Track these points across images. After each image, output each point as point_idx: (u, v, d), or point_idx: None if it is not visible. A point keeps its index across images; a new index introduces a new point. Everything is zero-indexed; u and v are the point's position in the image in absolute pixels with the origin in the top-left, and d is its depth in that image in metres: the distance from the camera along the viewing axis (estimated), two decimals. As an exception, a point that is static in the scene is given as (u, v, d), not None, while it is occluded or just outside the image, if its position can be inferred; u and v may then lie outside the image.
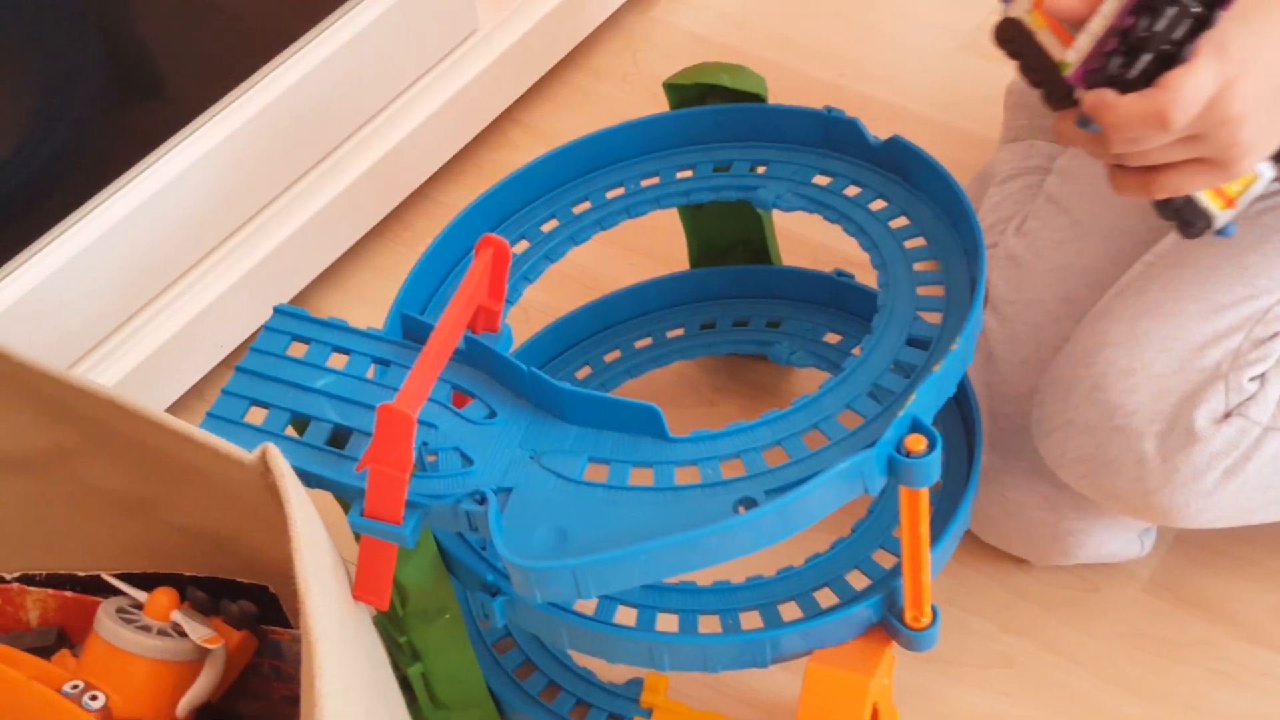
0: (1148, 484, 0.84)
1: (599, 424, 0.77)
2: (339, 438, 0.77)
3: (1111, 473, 0.85)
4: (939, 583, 0.96)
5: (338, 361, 0.81)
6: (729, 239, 1.05)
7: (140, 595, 0.81)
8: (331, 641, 0.65)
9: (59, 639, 0.86)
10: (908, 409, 0.72)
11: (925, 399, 0.73)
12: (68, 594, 0.85)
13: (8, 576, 0.85)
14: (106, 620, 0.78)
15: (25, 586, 0.85)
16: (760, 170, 0.93)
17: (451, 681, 0.87)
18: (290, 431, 0.78)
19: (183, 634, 0.79)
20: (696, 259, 1.07)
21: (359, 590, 0.74)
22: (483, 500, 0.72)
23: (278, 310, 0.83)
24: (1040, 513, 0.92)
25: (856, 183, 0.90)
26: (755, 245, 1.04)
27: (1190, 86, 0.67)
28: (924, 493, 0.73)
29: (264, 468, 0.70)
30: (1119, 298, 0.89)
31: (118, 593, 0.83)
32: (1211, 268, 0.86)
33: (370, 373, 0.81)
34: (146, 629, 0.79)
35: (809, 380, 1.09)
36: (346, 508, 0.76)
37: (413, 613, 0.80)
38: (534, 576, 0.70)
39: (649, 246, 1.19)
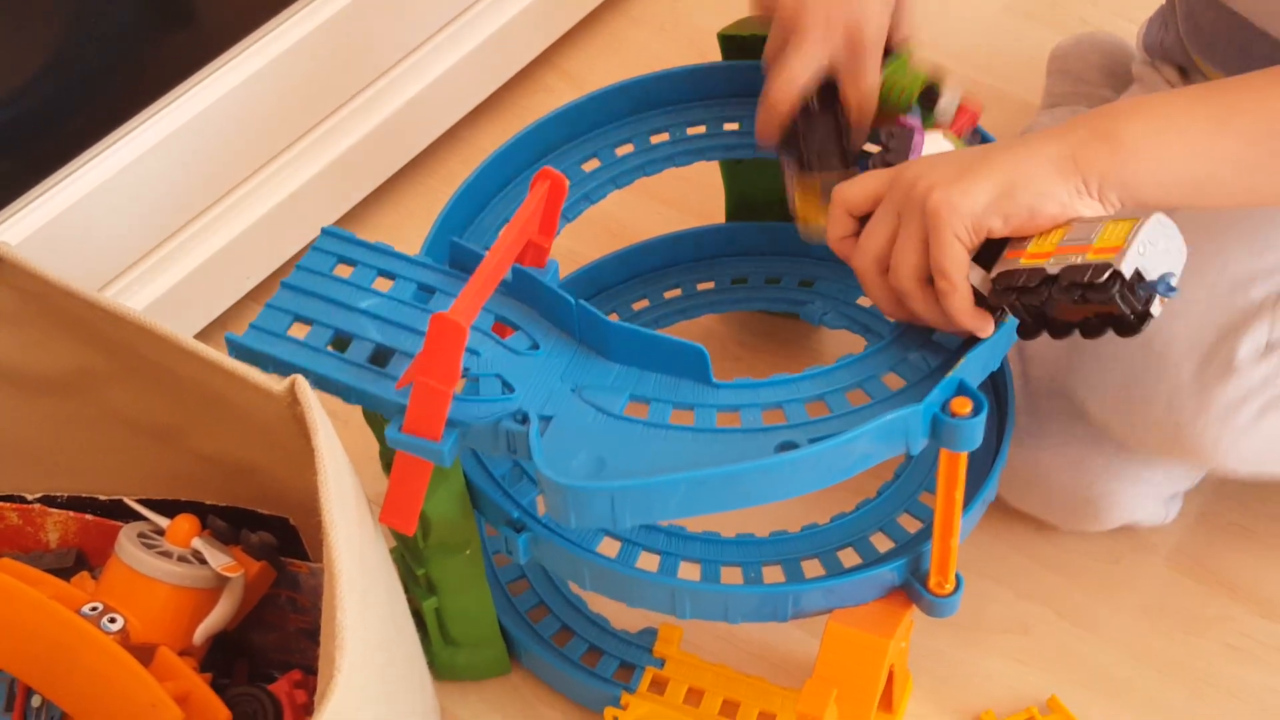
0: (1180, 415, 0.83)
1: (643, 363, 0.77)
2: (379, 358, 0.77)
3: (1144, 403, 0.84)
4: (959, 548, 0.97)
5: (382, 285, 0.80)
6: (767, 195, 1.03)
7: (162, 521, 0.81)
8: (353, 575, 0.65)
9: (78, 561, 0.86)
10: (955, 371, 0.72)
11: (973, 364, 0.73)
12: (88, 517, 0.85)
13: (29, 497, 0.86)
14: (127, 544, 0.79)
15: (46, 508, 0.86)
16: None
17: (465, 618, 0.87)
18: (330, 350, 0.78)
19: (203, 561, 0.79)
20: (732, 213, 1.06)
21: (386, 513, 0.74)
22: (524, 420, 0.72)
23: (325, 231, 0.83)
24: (1069, 476, 0.91)
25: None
26: (792, 205, 1.04)
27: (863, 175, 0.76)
28: (963, 457, 0.73)
29: (292, 399, 0.69)
30: None
31: (139, 517, 0.83)
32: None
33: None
34: (167, 555, 0.79)
35: (836, 343, 1.09)
36: (379, 426, 0.75)
37: (435, 545, 0.80)
38: (572, 497, 0.69)
39: (679, 198, 1.18)
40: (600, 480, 0.70)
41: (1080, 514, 0.93)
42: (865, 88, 0.83)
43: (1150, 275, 0.67)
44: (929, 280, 0.73)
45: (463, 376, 0.75)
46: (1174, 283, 0.68)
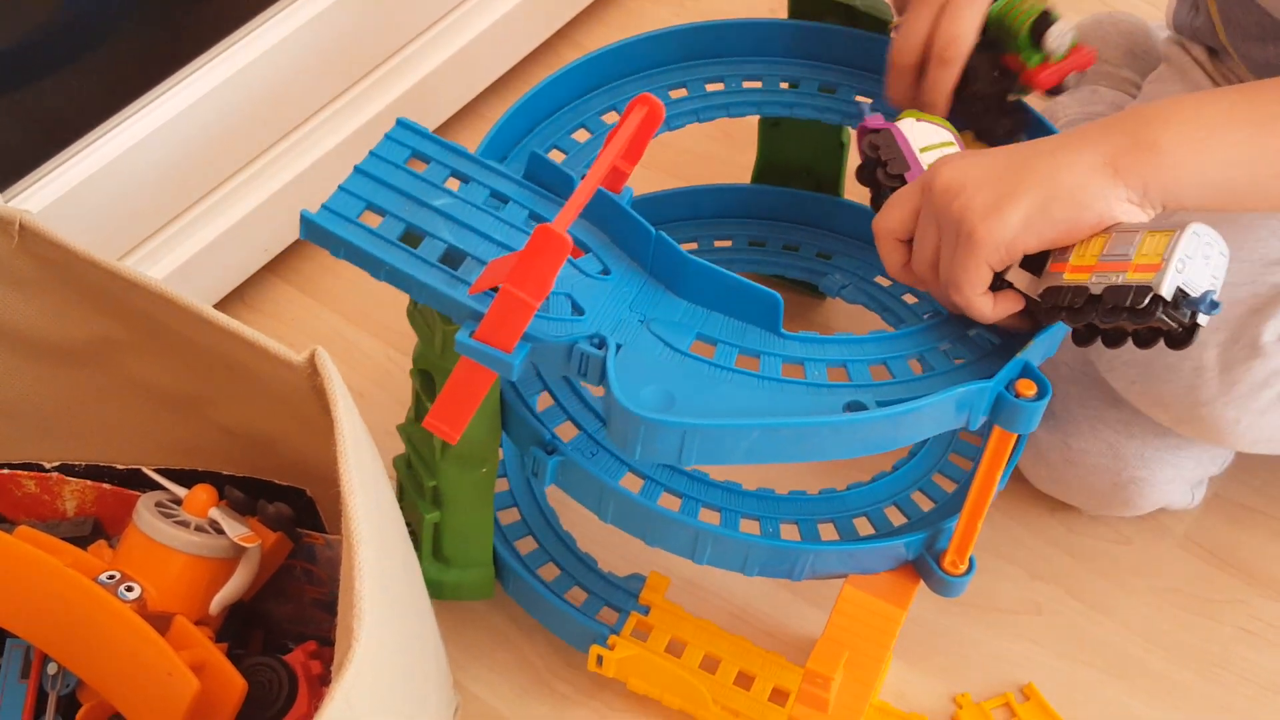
0: (1202, 394, 0.83)
1: (711, 303, 0.76)
2: (449, 259, 0.75)
3: (1166, 380, 0.84)
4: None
5: (453, 186, 0.79)
6: (798, 162, 1.03)
7: (180, 491, 0.81)
8: (372, 545, 0.65)
9: (95, 530, 0.86)
10: (1023, 353, 0.72)
11: (1038, 348, 0.74)
12: (106, 486, 0.86)
13: (47, 465, 0.86)
14: (145, 513, 0.79)
15: (64, 476, 0.86)
16: (864, 100, 0.91)
17: (464, 535, 0.87)
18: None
19: (220, 531, 0.79)
20: (759, 176, 1.06)
21: (433, 417, 0.72)
22: (601, 344, 0.71)
23: (401, 123, 0.81)
24: (1103, 460, 0.91)
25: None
26: (821, 175, 1.03)
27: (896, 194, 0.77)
28: (1013, 438, 0.73)
29: (312, 370, 0.70)
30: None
31: (156, 487, 0.83)
32: None
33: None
34: (184, 524, 0.79)
35: (845, 320, 1.08)
36: (426, 327, 0.75)
37: (453, 458, 0.80)
38: (645, 429, 0.69)
39: (689, 173, 1.18)
40: (671, 415, 0.69)
41: (1113, 500, 0.93)
42: (950, 30, 0.82)
43: (1193, 291, 0.67)
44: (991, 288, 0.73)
45: None
46: (1216, 298, 0.67)
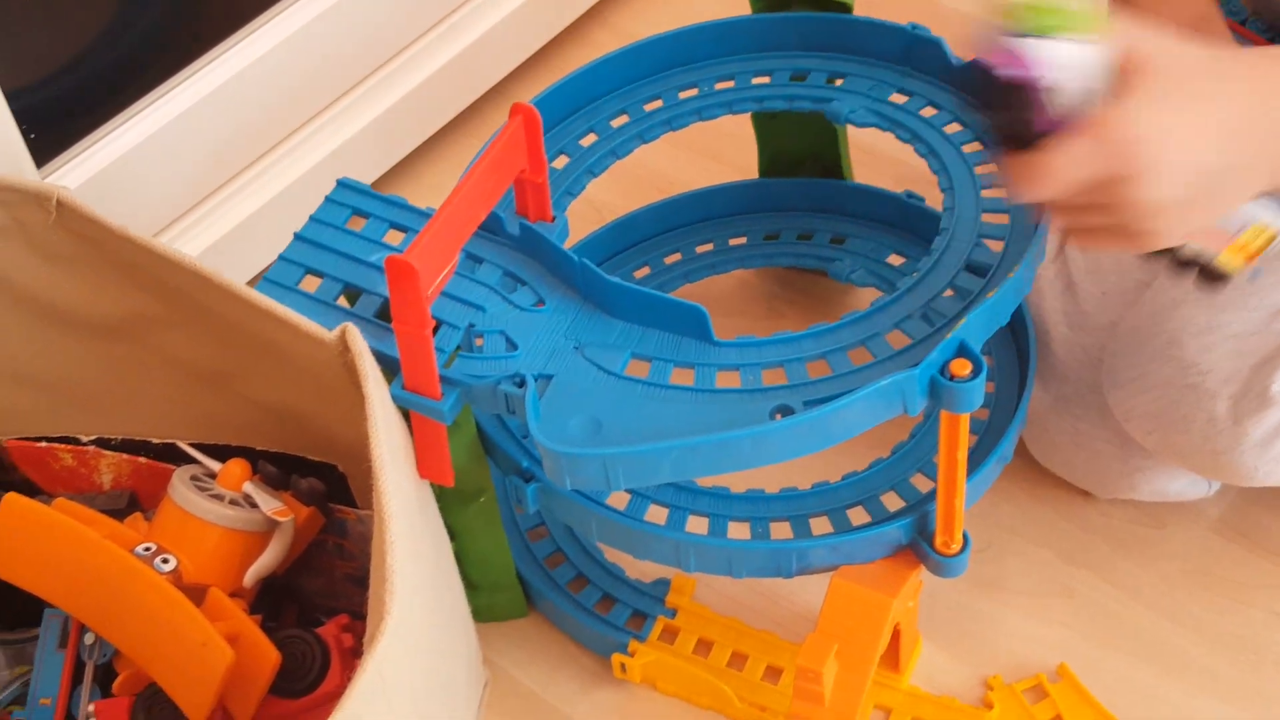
0: (1217, 444, 0.83)
1: (645, 321, 0.77)
2: (388, 313, 0.77)
3: (1180, 431, 0.83)
4: (1003, 511, 0.96)
5: (395, 238, 0.81)
6: (801, 151, 1.03)
7: (214, 465, 0.82)
8: (402, 519, 0.65)
9: (131, 503, 0.87)
10: (956, 332, 0.71)
11: (975, 324, 0.72)
12: (141, 460, 0.87)
13: (84, 439, 0.87)
14: (181, 486, 0.80)
15: (101, 450, 0.87)
16: (837, 83, 0.91)
17: (483, 563, 0.88)
18: (342, 302, 0.79)
19: (253, 505, 0.80)
20: (767, 169, 1.06)
21: (422, 469, 0.75)
22: (522, 383, 0.72)
23: (340, 183, 0.83)
24: (1110, 447, 0.91)
25: (934, 104, 0.88)
26: (826, 159, 1.03)
27: (1056, 156, 0.65)
28: (964, 418, 0.72)
29: (343, 346, 0.70)
30: None
31: (191, 461, 0.84)
32: None
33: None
34: (219, 498, 0.80)
35: (869, 300, 1.08)
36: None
37: (449, 491, 0.81)
38: (565, 462, 0.70)
39: (726, 153, 1.18)
40: (596, 444, 0.70)
41: (1117, 484, 0.93)
42: None
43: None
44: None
45: (469, 333, 0.76)
46: None
